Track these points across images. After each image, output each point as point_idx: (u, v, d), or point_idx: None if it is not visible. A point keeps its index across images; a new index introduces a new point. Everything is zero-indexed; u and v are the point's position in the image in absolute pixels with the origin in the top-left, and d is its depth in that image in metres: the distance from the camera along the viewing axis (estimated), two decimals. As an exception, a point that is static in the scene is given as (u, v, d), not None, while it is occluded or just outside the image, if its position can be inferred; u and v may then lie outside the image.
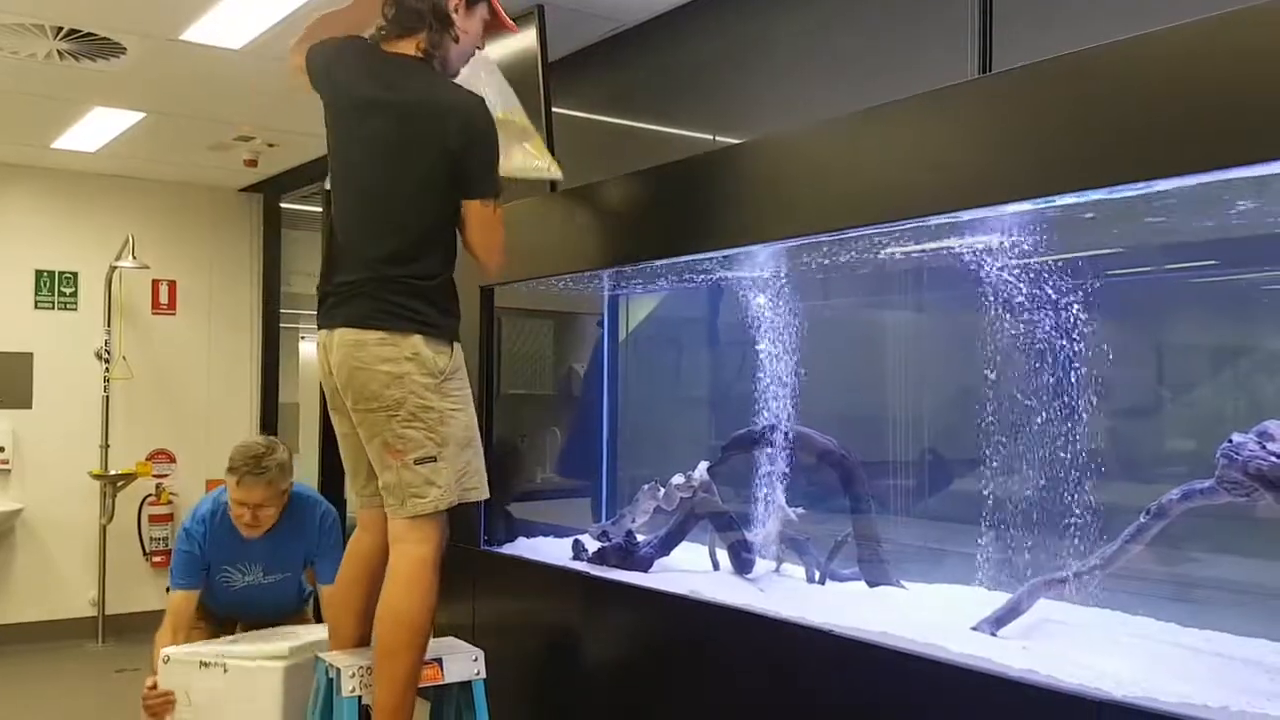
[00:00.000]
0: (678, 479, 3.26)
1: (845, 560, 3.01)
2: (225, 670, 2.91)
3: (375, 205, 2.52)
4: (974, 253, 2.55)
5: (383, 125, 2.49)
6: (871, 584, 2.90)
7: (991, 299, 2.55)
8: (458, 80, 2.66)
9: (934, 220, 2.32)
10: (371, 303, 2.45)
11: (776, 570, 3.19)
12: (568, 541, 3.45)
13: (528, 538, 3.72)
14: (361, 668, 2.53)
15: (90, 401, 5.95)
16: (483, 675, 2.68)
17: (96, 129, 5.16)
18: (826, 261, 2.97)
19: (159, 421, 6.19)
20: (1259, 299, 2.53)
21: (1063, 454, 2.47)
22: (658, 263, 3.16)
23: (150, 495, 6.12)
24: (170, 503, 6.13)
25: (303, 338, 6.57)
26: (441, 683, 2.63)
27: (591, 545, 3.33)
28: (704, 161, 2.91)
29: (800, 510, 3.14)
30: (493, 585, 3.51)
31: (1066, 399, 2.48)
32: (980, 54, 2.46)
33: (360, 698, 2.54)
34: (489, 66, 2.95)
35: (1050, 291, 2.47)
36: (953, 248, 2.62)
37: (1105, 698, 1.89)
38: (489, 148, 2.50)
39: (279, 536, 3.29)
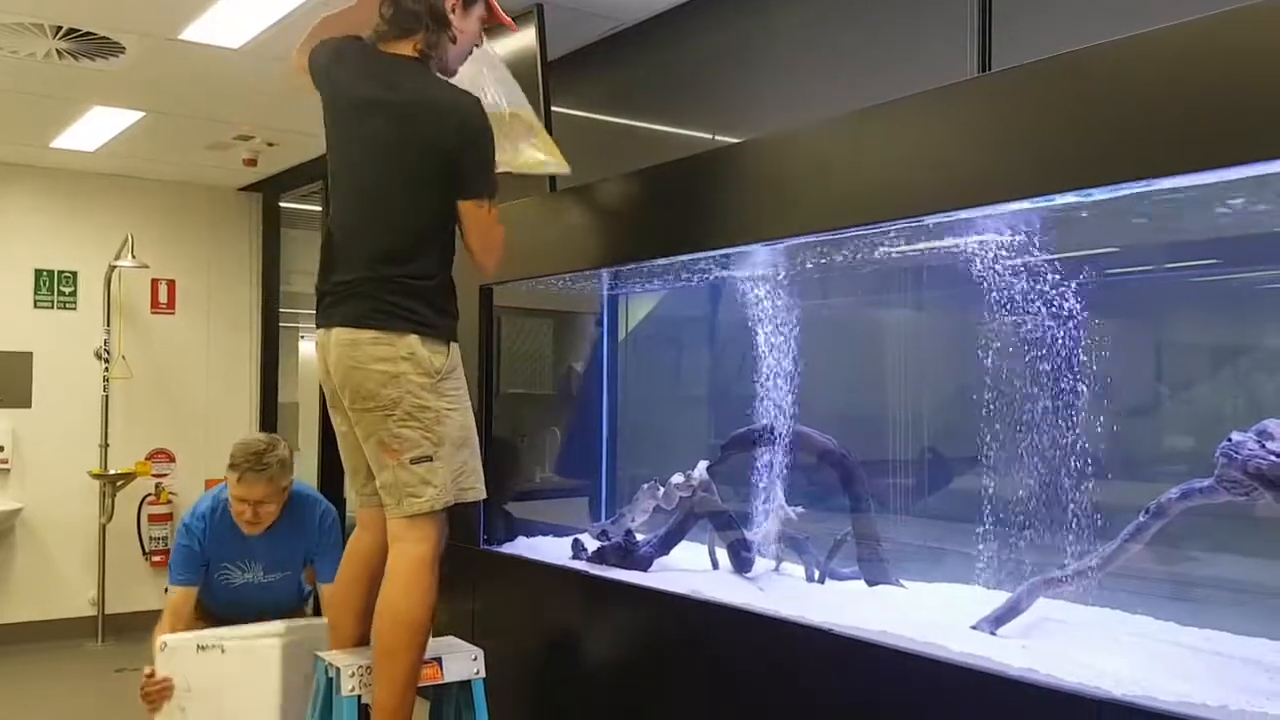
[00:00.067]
0: (677, 478, 3.26)
1: (845, 559, 3.01)
2: (223, 651, 2.92)
3: (373, 205, 2.53)
4: (973, 251, 2.55)
5: (380, 125, 2.49)
6: (871, 583, 2.90)
7: (991, 298, 2.55)
8: (462, 77, 2.66)
9: (934, 219, 2.32)
10: (368, 302, 2.45)
11: (776, 569, 3.19)
12: (567, 541, 3.45)
13: (527, 537, 3.72)
14: (361, 667, 2.53)
15: (90, 401, 5.95)
16: (482, 674, 2.68)
17: (96, 128, 5.16)
18: (826, 260, 2.97)
19: (158, 421, 6.20)
20: (1258, 298, 2.53)
21: (1062, 453, 2.47)
22: (657, 262, 3.16)
23: (150, 495, 6.12)
24: (170, 502, 6.13)
25: (302, 337, 6.57)
26: (441, 682, 2.63)
27: (591, 544, 3.33)
28: (703, 160, 2.91)
29: (800, 509, 3.13)
30: (492, 584, 3.51)
31: (1066, 398, 2.48)
32: (980, 52, 2.46)
33: (360, 697, 2.54)
34: (493, 62, 2.95)
35: (1049, 290, 2.47)
36: (952, 246, 2.62)
37: (1105, 696, 1.89)
38: (484, 148, 2.50)
39: (279, 534, 3.29)
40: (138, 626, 5.47)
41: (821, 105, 3.03)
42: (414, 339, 2.43)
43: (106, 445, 5.94)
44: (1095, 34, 1.94)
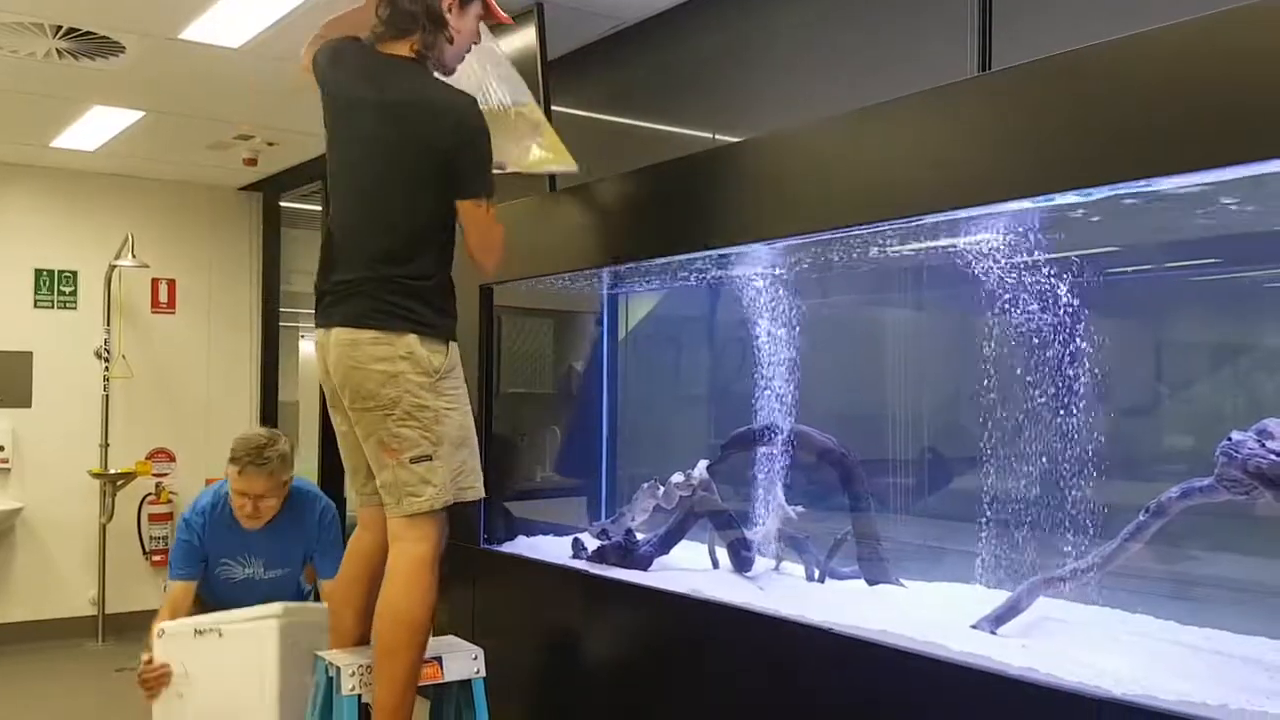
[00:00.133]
0: (677, 477, 3.27)
1: (845, 558, 3.01)
2: (221, 636, 2.92)
3: (371, 205, 2.53)
4: (973, 250, 2.55)
5: (377, 125, 2.50)
6: (871, 582, 2.90)
7: (990, 297, 2.55)
8: (461, 76, 2.66)
9: (934, 218, 2.32)
10: (367, 302, 2.46)
11: (776, 568, 3.20)
12: (567, 540, 3.46)
13: (527, 536, 3.72)
14: (361, 666, 2.53)
15: (90, 400, 5.95)
16: (482, 674, 2.68)
17: (96, 128, 5.15)
18: (826, 260, 2.97)
19: (158, 420, 6.20)
20: (1258, 297, 2.53)
21: (1062, 452, 2.47)
22: (657, 261, 3.16)
23: (150, 494, 6.12)
24: (170, 502, 6.13)
25: (302, 336, 6.57)
26: (441, 681, 2.63)
27: (591, 544, 3.33)
28: (704, 160, 2.91)
29: (799, 508, 3.13)
30: (492, 584, 3.51)
31: (1066, 397, 2.47)
32: (980, 51, 2.46)
33: (360, 696, 2.54)
34: (497, 60, 2.95)
35: (1049, 289, 2.47)
36: (952, 245, 2.62)
37: (1105, 696, 1.90)
38: (481, 148, 2.50)
39: (279, 530, 3.29)
40: (138, 626, 5.46)
41: (822, 105, 3.03)
42: (413, 338, 2.44)
43: (107, 445, 5.94)
44: (1095, 34, 1.95)
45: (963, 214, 2.27)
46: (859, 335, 3.48)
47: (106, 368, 5.98)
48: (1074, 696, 1.93)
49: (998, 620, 2.36)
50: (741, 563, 3.15)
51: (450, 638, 2.84)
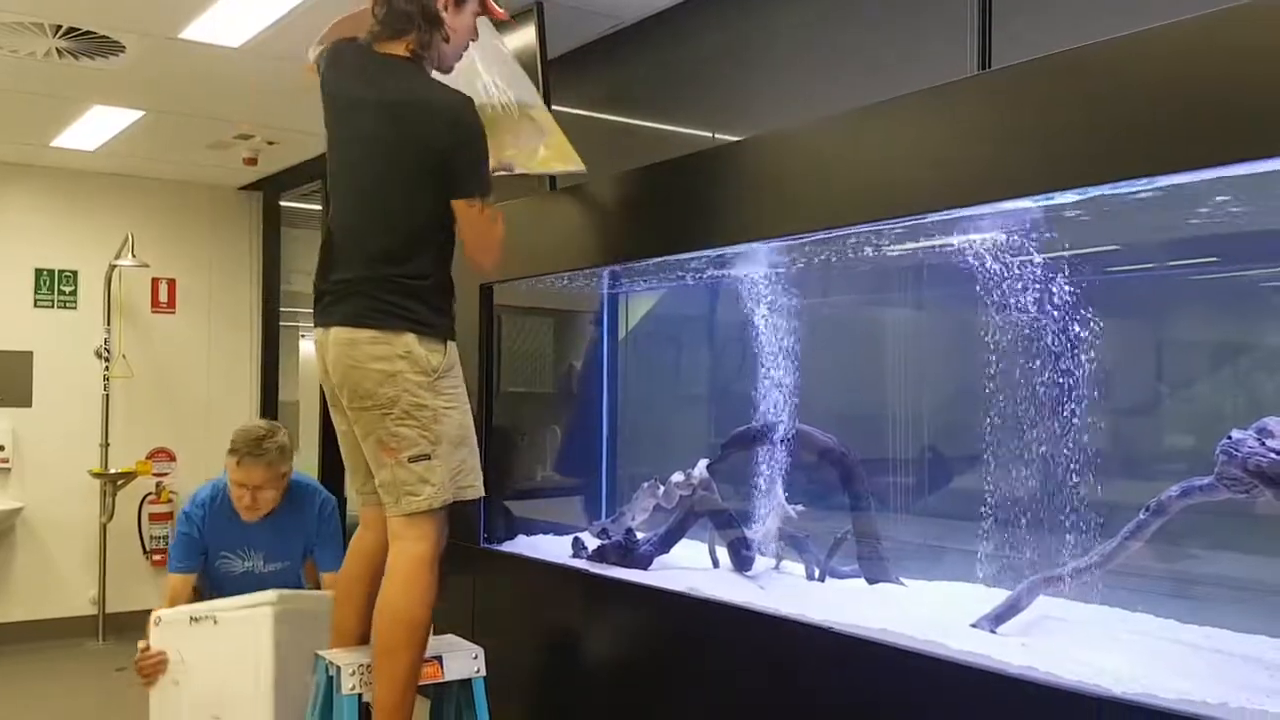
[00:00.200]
0: (677, 476, 3.27)
1: (845, 557, 3.01)
2: (216, 623, 2.92)
3: (370, 204, 2.54)
4: (973, 249, 2.55)
5: (374, 125, 2.50)
6: (871, 581, 2.90)
7: (990, 296, 2.55)
8: (469, 75, 2.67)
9: (934, 217, 2.32)
10: (365, 301, 2.46)
11: (776, 568, 3.20)
12: (567, 539, 3.46)
13: (527, 535, 3.73)
14: (362, 665, 2.53)
15: (90, 400, 5.95)
16: (483, 673, 2.68)
17: (96, 127, 5.15)
18: (826, 258, 2.96)
19: (159, 420, 6.20)
20: (1259, 296, 2.53)
21: (1062, 451, 2.47)
22: (657, 260, 3.16)
23: (150, 494, 6.12)
24: (170, 501, 6.13)
25: (303, 336, 6.56)
26: (441, 680, 2.63)
27: (591, 543, 3.34)
28: (703, 159, 2.91)
29: (800, 507, 3.14)
30: (493, 583, 3.52)
31: (1066, 396, 2.47)
32: (980, 50, 2.46)
33: (360, 695, 2.54)
34: (504, 60, 2.95)
35: (1049, 288, 2.47)
36: (952, 244, 2.62)
37: (1105, 694, 1.90)
38: (476, 147, 2.50)
39: (279, 523, 3.30)
40: (138, 626, 5.43)
41: (821, 104, 3.03)
42: (411, 338, 2.44)
43: (107, 444, 5.94)
44: (1095, 32, 1.95)
45: (962, 213, 2.27)
46: (859, 334, 3.48)
47: (107, 367, 5.98)
48: (1074, 695, 1.93)
49: (998, 619, 2.36)
50: (742, 562, 3.15)
51: (450, 637, 2.83)
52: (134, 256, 5.88)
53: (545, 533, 3.76)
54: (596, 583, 3.11)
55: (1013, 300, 2.52)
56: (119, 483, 5.91)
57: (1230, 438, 2.05)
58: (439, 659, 2.61)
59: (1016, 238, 2.46)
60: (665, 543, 3.24)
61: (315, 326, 2.58)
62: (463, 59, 2.78)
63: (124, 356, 6.05)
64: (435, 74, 2.62)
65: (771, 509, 3.22)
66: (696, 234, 2.83)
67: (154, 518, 6.12)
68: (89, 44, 3.92)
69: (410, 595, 2.46)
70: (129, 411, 6.07)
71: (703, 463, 3.26)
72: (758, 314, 3.32)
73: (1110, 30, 1.91)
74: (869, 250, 2.81)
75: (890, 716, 2.26)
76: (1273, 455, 1.98)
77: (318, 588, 3.35)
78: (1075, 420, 2.46)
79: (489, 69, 2.91)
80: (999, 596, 2.43)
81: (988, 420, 2.61)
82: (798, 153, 2.56)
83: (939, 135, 2.22)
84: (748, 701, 2.57)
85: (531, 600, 3.38)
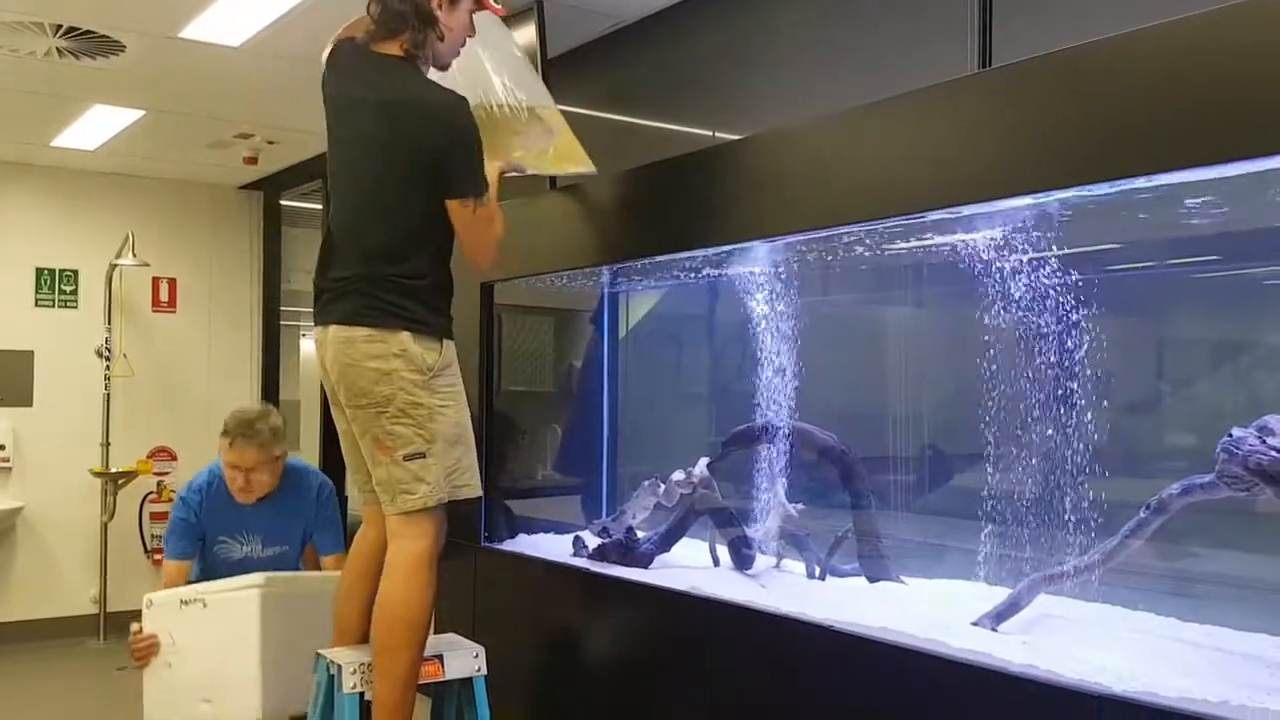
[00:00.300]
0: (678, 475, 3.27)
1: (845, 556, 3.01)
2: (205, 606, 2.94)
3: (368, 203, 2.54)
4: (974, 248, 2.55)
5: (370, 125, 2.51)
6: (872, 579, 2.90)
7: (991, 294, 2.55)
8: (475, 75, 2.67)
9: (934, 215, 2.32)
10: (362, 299, 2.46)
11: (777, 566, 3.20)
12: (568, 538, 3.46)
13: (528, 534, 3.73)
14: (363, 664, 2.53)
15: (91, 399, 5.95)
16: (484, 671, 2.68)
17: (96, 127, 5.15)
18: (826, 257, 2.96)
19: (159, 419, 6.19)
20: (1259, 294, 2.52)
21: (1063, 449, 2.47)
22: (658, 259, 3.16)
23: (151, 493, 6.12)
24: (171, 500, 6.12)
25: (303, 335, 6.57)
26: (442, 679, 2.63)
27: (592, 541, 3.34)
28: (704, 157, 2.91)
29: (800, 506, 3.14)
30: (493, 582, 3.52)
31: (1066, 394, 2.47)
32: (980, 48, 2.45)
33: (362, 694, 2.54)
34: (512, 60, 2.95)
35: (1049, 286, 2.46)
36: (952, 242, 2.62)
37: (1105, 692, 1.89)
38: (470, 147, 2.50)
39: (276, 507, 3.31)
40: (139, 625, 5.47)
41: (822, 102, 3.02)
42: (406, 336, 2.44)
43: (108, 443, 5.94)
44: (1095, 30, 1.94)
45: (963, 211, 2.27)
46: (859, 332, 3.48)
47: (107, 367, 5.98)
48: (1075, 693, 1.93)
49: (998, 617, 2.36)
50: (742, 560, 3.15)
51: (451, 636, 2.84)
52: (134, 256, 5.88)
53: (546, 531, 3.76)
54: (597, 581, 3.11)
55: (1013, 298, 2.52)
56: (120, 482, 5.91)
57: (1231, 435, 2.05)
58: (440, 657, 2.61)
59: (1016, 236, 2.46)
60: (666, 541, 3.24)
61: (315, 325, 2.58)
62: (471, 59, 2.78)
63: (125, 356, 6.05)
64: (433, 72, 2.62)
65: (772, 507, 3.22)
66: (697, 233, 2.83)
67: (155, 517, 6.12)
68: (89, 43, 3.92)
69: (409, 593, 2.46)
70: (130, 411, 6.07)
71: (703, 461, 3.26)
72: (758, 313, 3.32)
73: (1111, 28, 1.91)
74: (869, 249, 2.81)
75: (891, 715, 2.26)
76: (1273, 453, 1.98)
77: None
78: (1076, 418, 2.45)
79: (498, 69, 2.91)
80: (1000, 595, 2.43)
81: (988, 419, 2.60)
82: (798, 151, 2.55)
83: (939, 134, 2.22)
84: (748, 700, 2.57)
85: (532, 599, 3.39)
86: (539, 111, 2.97)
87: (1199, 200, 2.12)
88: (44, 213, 6.01)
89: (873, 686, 2.30)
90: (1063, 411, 2.48)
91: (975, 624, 2.36)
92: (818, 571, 3.03)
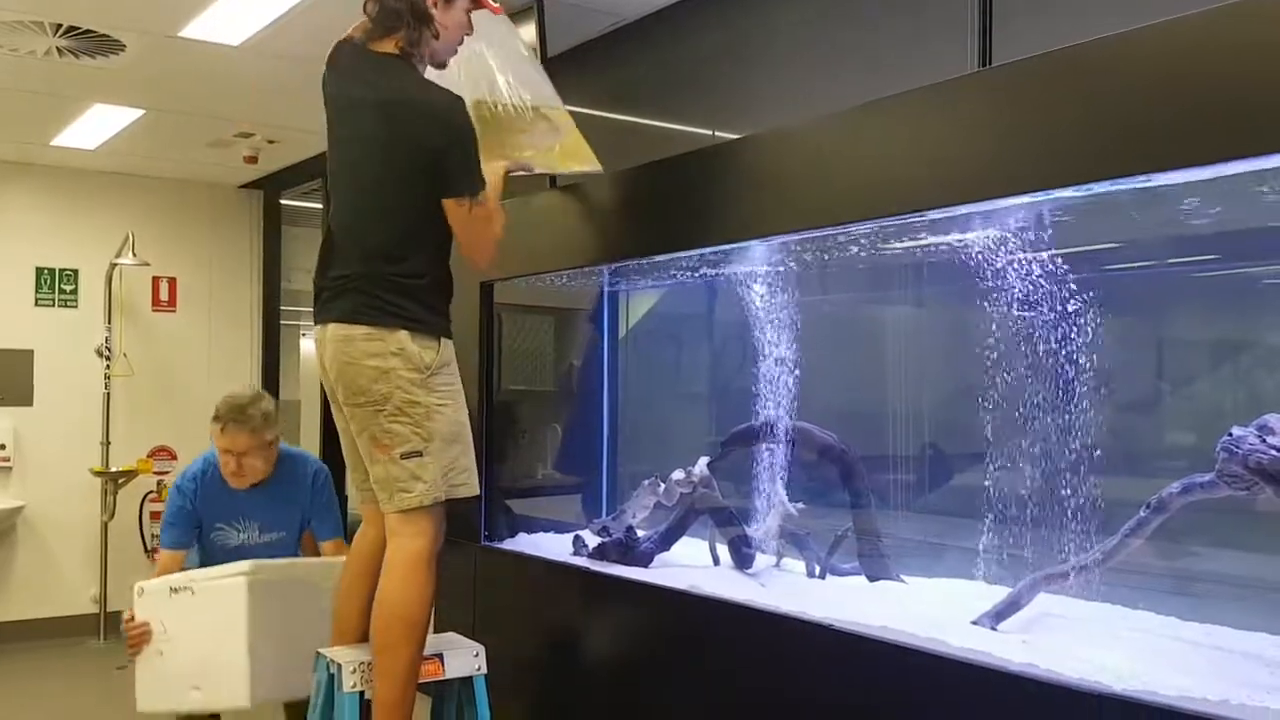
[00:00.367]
0: (678, 474, 3.27)
1: (845, 555, 3.01)
2: (193, 593, 2.95)
3: (367, 203, 2.55)
4: (974, 247, 2.55)
5: (367, 124, 2.51)
6: (872, 578, 2.90)
7: (991, 293, 2.55)
8: (479, 74, 2.67)
9: (934, 214, 2.32)
10: (361, 298, 2.47)
11: (777, 565, 3.20)
12: (568, 537, 3.46)
13: (528, 533, 3.73)
14: (363, 663, 2.53)
15: (91, 398, 5.95)
16: (484, 670, 2.68)
17: (96, 126, 5.15)
18: (826, 256, 2.96)
19: (160, 418, 6.19)
20: (1259, 293, 2.52)
21: (1063, 448, 2.46)
22: (658, 258, 3.16)
23: (151, 492, 6.11)
24: (171, 499, 6.12)
25: (303, 335, 6.56)
26: (442, 678, 2.63)
27: (592, 541, 3.34)
28: (704, 156, 2.91)
29: (800, 505, 3.14)
30: (493, 581, 3.52)
31: (1067, 393, 2.47)
32: (980, 47, 2.45)
33: (362, 693, 2.54)
34: (519, 59, 2.95)
35: (1049, 286, 2.46)
36: (952, 241, 2.62)
37: (1105, 691, 1.90)
38: (466, 146, 2.50)
39: (271, 493, 3.31)
40: (139, 624, 5.47)
41: (822, 101, 3.02)
42: (403, 334, 2.44)
43: (108, 443, 5.94)
44: (1095, 29, 1.94)
45: (962, 210, 2.27)
46: (859, 331, 3.48)
47: (107, 366, 5.97)
48: (1075, 692, 1.93)
49: (998, 616, 2.36)
50: (742, 559, 3.15)
51: (451, 635, 2.84)
52: (134, 255, 5.88)
53: (546, 530, 3.76)
54: (597, 580, 3.11)
55: (1012, 297, 2.52)
56: (120, 481, 5.91)
57: (1231, 434, 2.05)
58: (440, 656, 2.62)
59: (1016, 234, 2.46)
60: (666, 540, 3.24)
61: (315, 323, 2.59)
62: (476, 59, 2.78)
63: (125, 355, 6.05)
64: (431, 71, 2.63)
65: (772, 506, 3.22)
66: (696, 232, 2.83)
67: (155, 516, 6.10)
68: (89, 43, 3.92)
69: (408, 592, 2.46)
70: (130, 410, 6.07)
71: (703, 460, 3.26)
72: (758, 312, 3.32)
73: (1111, 27, 1.91)
74: (869, 248, 2.81)
75: (891, 714, 2.26)
76: (1273, 452, 1.98)
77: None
78: (1076, 417, 2.45)
79: (503, 68, 2.91)
80: (1000, 594, 2.43)
81: (988, 417, 2.60)
82: (798, 150, 2.55)
83: (939, 132, 2.22)
84: (748, 699, 2.57)
85: (532, 598, 3.39)
86: (545, 110, 2.97)
87: (1198, 199, 2.12)
88: (44, 212, 6.01)
89: (873, 685, 2.30)
90: (1062, 410, 2.48)
91: (975, 623, 2.37)
92: (818, 570, 3.03)
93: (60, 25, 3.76)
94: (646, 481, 3.40)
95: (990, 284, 2.55)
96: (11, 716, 4.64)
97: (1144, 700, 1.85)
